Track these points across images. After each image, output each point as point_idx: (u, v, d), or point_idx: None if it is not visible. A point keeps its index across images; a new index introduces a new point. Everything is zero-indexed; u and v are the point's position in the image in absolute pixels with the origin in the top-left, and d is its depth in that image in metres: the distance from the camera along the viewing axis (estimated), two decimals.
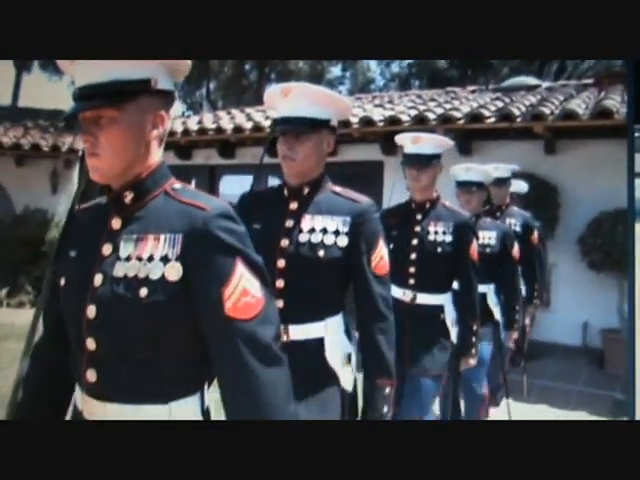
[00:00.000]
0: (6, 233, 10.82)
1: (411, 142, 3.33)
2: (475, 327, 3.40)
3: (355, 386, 2.28)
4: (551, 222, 7.34)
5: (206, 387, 1.50)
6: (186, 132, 10.31)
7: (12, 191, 11.47)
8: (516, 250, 4.47)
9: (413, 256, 3.34)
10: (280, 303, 2.16)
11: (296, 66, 24.29)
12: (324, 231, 2.19)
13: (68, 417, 1.60)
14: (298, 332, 2.18)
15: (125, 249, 1.39)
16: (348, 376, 2.21)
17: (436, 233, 3.34)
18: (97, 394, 1.41)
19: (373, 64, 27.88)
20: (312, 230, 2.20)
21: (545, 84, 11.53)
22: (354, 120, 8.50)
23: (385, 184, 8.61)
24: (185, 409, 1.41)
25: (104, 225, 1.46)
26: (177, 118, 12.49)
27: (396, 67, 26.64)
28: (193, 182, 9.98)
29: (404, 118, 8.46)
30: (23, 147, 11.06)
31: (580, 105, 7.65)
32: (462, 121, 8.01)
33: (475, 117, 7.92)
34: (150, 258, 1.36)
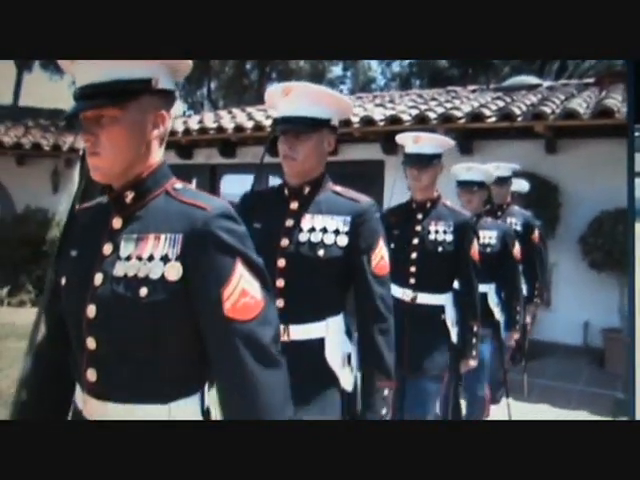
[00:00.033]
0: (7, 232, 10.83)
1: (412, 142, 3.33)
2: (475, 328, 3.39)
3: (355, 387, 2.27)
4: (552, 221, 7.33)
5: (206, 388, 1.50)
6: (187, 131, 10.31)
7: (13, 190, 11.48)
8: (517, 250, 4.46)
9: (414, 255, 3.33)
10: (280, 302, 2.16)
11: (297, 65, 24.28)
12: (324, 230, 2.19)
13: (68, 417, 1.60)
14: (299, 332, 2.18)
15: (125, 249, 1.40)
16: (348, 377, 2.20)
17: (437, 232, 3.33)
18: (97, 393, 1.41)
19: (374, 63, 27.89)
20: (312, 229, 2.20)
21: (546, 83, 11.52)
22: (355, 119, 8.49)
23: (386, 183, 8.61)
24: (185, 409, 1.41)
25: (105, 225, 1.46)
26: (178, 117, 12.50)
27: (397, 66, 26.64)
28: (194, 181, 9.97)
29: (405, 117, 8.45)
30: (24, 146, 11.06)
31: (581, 104, 7.65)
32: (463, 120, 8.01)
33: (476, 116, 7.92)
34: (150, 258, 1.36)
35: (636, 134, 2.70)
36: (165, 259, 1.35)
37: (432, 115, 8.33)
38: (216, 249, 1.34)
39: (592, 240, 7.25)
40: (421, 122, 8.13)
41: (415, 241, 3.34)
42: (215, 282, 1.34)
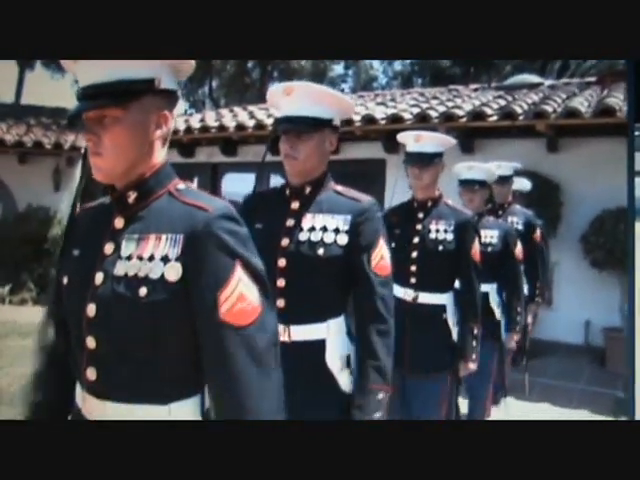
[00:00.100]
0: (9, 231, 10.85)
1: (413, 140, 3.32)
2: (476, 331, 3.36)
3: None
4: (553, 220, 7.33)
5: (207, 389, 1.49)
6: (189, 130, 10.32)
7: (15, 189, 11.50)
8: (519, 249, 4.44)
9: (414, 254, 3.33)
10: (281, 302, 2.17)
11: (299, 64, 24.28)
12: (324, 229, 2.19)
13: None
14: (299, 333, 2.17)
15: (127, 248, 1.40)
16: (346, 379, 2.19)
17: (437, 231, 3.33)
18: (97, 392, 1.41)
19: (376, 62, 27.88)
20: (312, 229, 2.20)
21: (548, 82, 11.52)
22: (356, 118, 8.49)
23: (387, 182, 8.61)
24: (185, 410, 1.40)
25: (107, 224, 1.46)
26: (180, 116, 12.50)
27: (399, 65, 26.65)
28: (196, 180, 10.00)
29: (406, 116, 8.46)
30: (26, 145, 11.08)
31: (583, 103, 7.64)
32: (464, 119, 8.01)
33: (477, 115, 7.92)
34: (151, 257, 1.36)
35: (636, 133, 2.70)
36: (165, 259, 1.35)
37: (433, 114, 8.33)
38: (216, 250, 1.34)
39: (593, 239, 7.25)
40: (422, 121, 8.13)
41: (416, 240, 3.34)
42: (213, 284, 1.33)
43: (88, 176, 1.48)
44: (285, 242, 2.20)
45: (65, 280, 1.50)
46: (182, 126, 10.35)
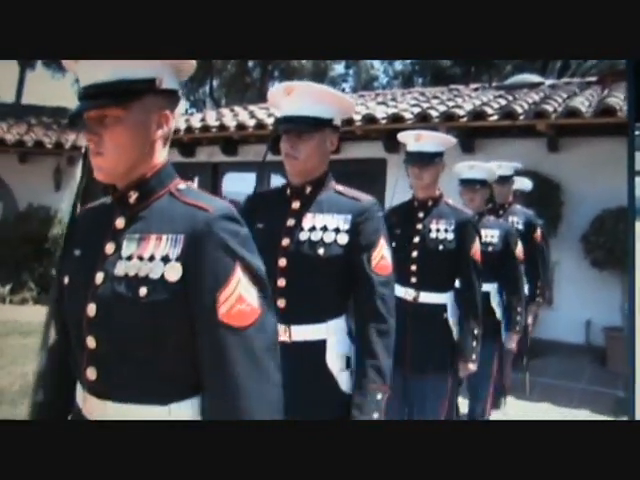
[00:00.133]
0: (9, 230, 10.85)
1: (414, 140, 3.32)
2: (476, 331, 3.36)
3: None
4: (554, 220, 7.33)
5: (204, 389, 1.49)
6: (189, 130, 10.33)
7: (15, 188, 11.51)
8: (519, 249, 4.43)
9: (414, 254, 3.33)
10: (282, 303, 2.16)
11: (299, 64, 24.28)
12: (324, 229, 2.18)
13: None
14: (300, 333, 2.17)
15: (127, 248, 1.40)
16: (347, 379, 2.18)
17: (438, 231, 3.33)
18: (97, 392, 1.41)
19: (376, 62, 27.88)
20: (313, 228, 2.19)
21: (548, 82, 11.52)
22: (357, 117, 8.49)
23: (388, 182, 8.60)
24: (186, 411, 1.39)
25: (108, 224, 1.46)
26: (180, 116, 12.50)
27: (399, 65, 26.64)
28: (196, 180, 10.01)
29: (407, 116, 8.46)
30: (26, 144, 11.09)
31: (583, 103, 7.64)
32: (465, 119, 8.01)
33: (478, 115, 7.92)
34: (151, 258, 1.36)
35: (636, 133, 2.69)
36: (166, 259, 1.35)
37: (434, 113, 8.34)
38: (216, 251, 1.34)
39: (594, 238, 7.25)
40: (423, 120, 8.14)
41: (416, 240, 3.34)
42: (212, 285, 1.33)
43: (89, 176, 1.48)
44: (286, 242, 2.20)
45: (66, 280, 1.50)
46: (183, 125, 10.35)
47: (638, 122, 2.70)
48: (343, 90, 22.19)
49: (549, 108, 7.50)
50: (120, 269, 1.38)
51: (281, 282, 2.18)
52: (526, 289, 4.93)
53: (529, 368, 5.83)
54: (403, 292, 3.27)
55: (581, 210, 7.42)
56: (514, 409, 5.17)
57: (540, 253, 5.37)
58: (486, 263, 3.58)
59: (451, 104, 8.98)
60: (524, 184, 5.91)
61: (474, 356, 3.35)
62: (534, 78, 11.53)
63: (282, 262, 2.18)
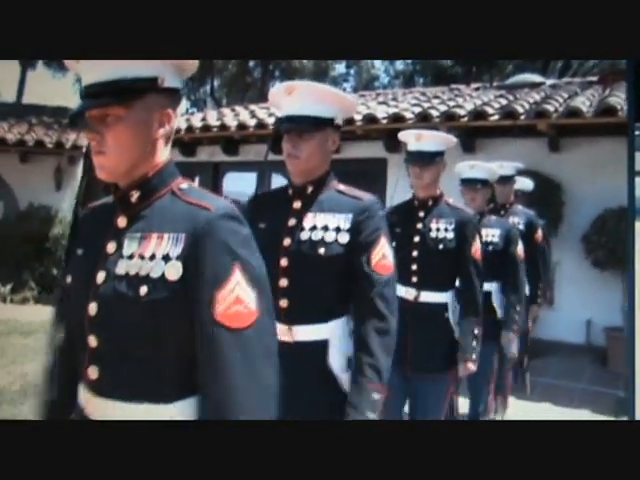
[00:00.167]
0: (10, 230, 10.86)
1: (414, 139, 3.32)
2: (477, 331, 3.35)
3: None
4: (555, 220, 7.33)
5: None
6: (190, 129, 10.33)
7: (16, 188, 11.52)
8: (520, 248, 4.42)
9: (415, 253, 3.32)
10: (284, 302, 2.16)
11: (300, 63, 24.27)
12: (325, 228, 2.18)
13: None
14: (302, 333, 2.16)
15: (129, 247, 1.40)
16: (349, 380, 2.15)
17: (438, 230, 3.32)
18: (99, 391, 1.41)
19: (377, 61, 27.86)
20: (313, 228, 2.19)
21: (549, 81, 11.53)
22: (358, 117, 8.49)
23: (389, 182, 8.60)
24: (189, 410, 1.39)
25: (110, 223, 1.46)
26: (181, 115, 12.51)
27: (400, 65, 26.61)
28: (197, 179, 10.01)
29: (408, 115, 8.46)
30: (27, 144, 11.10)
31: (584, 102, 7.64)
32: (466, 118, 8.01)
33: (479, 114, 7.92)
34: (152, 256, 1.36)
35: (636, 133, 2.69)
36: (166, 258, 1.35)
37: (435, 113, 8.34)
38: (216, 250, 1.33)
39: (595, 238, 7.25)
40: (424, 120, 8.14)
41: (416, 239, 3.34)
42: (210, 283, 1.32)
43: (90, 175, 1.48)
44: (287, 242, 2.20)
45: (69, 279, 1.50)
46: (184, 125, 10.36)
47: (638, 122, 2.70)
48: (344, 90, 22.18)
49: (550, 108, 7.50)
50: (121, 268, 1.38)
51: (283, 282, 2.17)
52: (527, 290, 4.91)
53: (530, 368, 5.83)
54: (404, 291, 3.27)
55: (582, 210, 7.42)
56: (514, 409, 5.16)
57: (541, 254, 5.35)
58: (487, 262, 3.58)
59: (452, 104, 8.99)
60: (525, 184, 5.91)
61: (474, 356, 3.33)
62: (535, 78, 11.54)
63: (284, 262, 2.18)
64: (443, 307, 3.32)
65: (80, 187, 1.68)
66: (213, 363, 1.31)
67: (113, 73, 1.35)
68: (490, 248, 4.17)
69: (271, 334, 1.40)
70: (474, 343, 3.33)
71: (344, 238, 2.16)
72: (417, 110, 8.67)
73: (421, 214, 3.39)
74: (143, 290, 1.33)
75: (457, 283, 3.43)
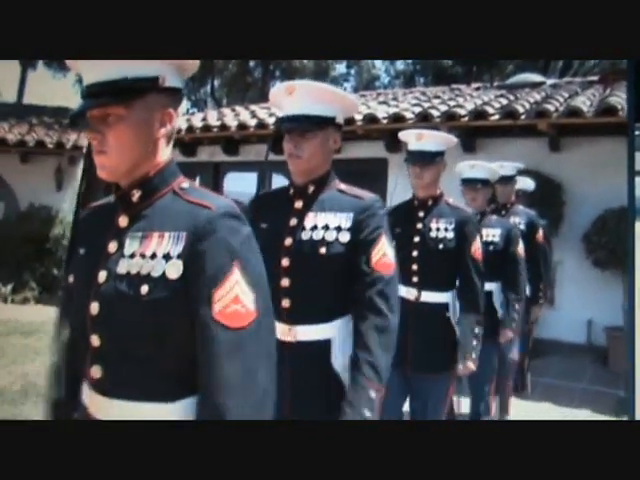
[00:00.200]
0: (11, 230, 10.87)
1: (415, 139, 3.32)
2: (477, 330, 3.35)
3: None
4: (556, 220, 7.33)
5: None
6: (190, 129, 10.34)
7: (17, 188, 11.53)
8: (521, 247, 4.41)
9: (415, 253, 3.32)
10: (286, 302, 2.16)
11: (301, 63, 24.27)
12: (326, 228, 2.17)
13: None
14: (305, 333, 2.16)
15: (130, 246, 1.40)
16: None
17: (438, 230, 3.32)
18: (102, 390, 1.41)
19: (378, 61, 27.86)
20: (314, 227, 2.19)
21: (550, 81, 11.53)
22: (358, 117, 8.49)
23: (389, 182, 8.59)
24: (193, 408, 1.38)
25: (111, 223, 1.46)
26: (182, 115, 12.51)
27: (401, 64, 26.61)
28: (197, 179, 10.01)
29: (408, 115, 8.46)
30: (28, 144, 11.10)
31: (585, 102, 7.64)
32: (466, 118, 8.01)
33: (479, 114, 7.91)
34: (153, 255, 1.36)
35: (636, 133, 2.69)
36: (167, 257, 1.35)
37: (435, 113, 8.34)
38: (216, 248, 1.34)
39: (596, 238, 7.25)
40: (424, 120, 8.14)
41: (416, 239, 3.34)
42: (209, 282, 1.32)
43: (90, 175, 1.48)
44: (288, 241, 2.19)
45: (71, 279, 1.51)
46: (184, 125, 10.36)
47: (638, 122, 2.69)
48: (344, 90, 22.18)
49: (550, 107, 7.50)
50: (122, 267, 1.38)
51: (285, 282, 2.17)
52: (527, 290, 4.90)
53: (530, 368, 5.82)
54: (405, 291, 3.27)
55: (583, 210, 7.42)
56: (515, 409, 5.16)
57: (542, 254, 5.33)
58: (488, 262, 3.57)
59: (452, 104, 8.98)
60: (527, 184, 5.90)
61: (474, 355, 3.32)
62: (535, 77, 11.53)
63: (285, 262, 2.18)
64: (444, 307, 3.31)
65: (80, 187, 1.67)
66: (211, 362, 1.31)
67: (114, 73, 1.35)
68: (491, 248, 4.16)
69: (270, 336, 1.40)
70: (474, 342, 3.31)
71: (345, 237, 2.15)
72: (418, 110, 8.66)
73: (421, 214, 3.38)
74: (144, 289, 1.34)
75: (458, 283, 3.43)
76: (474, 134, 8.23)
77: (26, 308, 9.88)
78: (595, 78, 11.06)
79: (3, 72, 20.87)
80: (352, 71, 28.31)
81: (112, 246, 1.42)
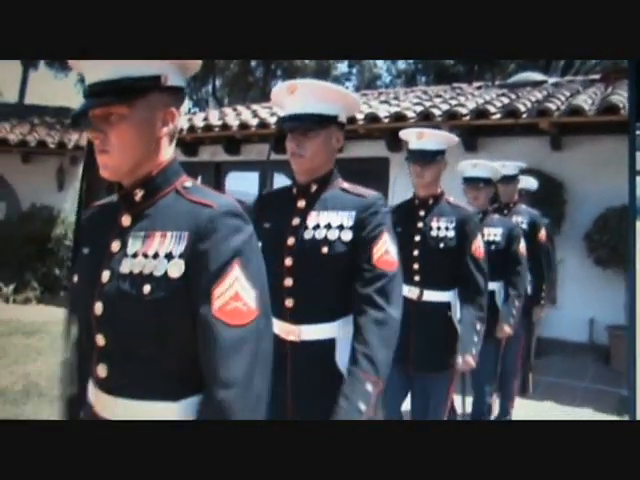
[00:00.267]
0: (12, 230, 10.87)
1: (415, 138, 3.32)
2: (479, 327, 3.33)
3: None
4: (557, 219, 7.32)
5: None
6: (192, 129, 10.33)
7: (18, 188, 11.54)
8: (522, 246, 4.40)
9: (416, 253, 3.32)
10: (290, 302, 2.16)
11: (302, 63, 24.27)
12: (328, 227, 2.17)
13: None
14: (309, 332, 2.15)
15: (133, 246, 1.40)
16: None
17: (439, 229, 3.31)
18: (108, 389, 1.42)
19: (379, 61, 27.85)
20: (317, 226, 2.18)
21: (551, 80, 11.51)
22: (360, 116, 8.49)
23: (391, 181, 8.61)
24: (196, 408, 1.38)
25: (114, 222, 1.47)
26: (183, 115, 12.51)
27: (402, 64, 26.61)
28: (199, 179, 10.01)
29: (410, 114, 8.45)
30: (29, 144, 11.10)
31: (586, 101, 7.63)
32: (468, 117, 8.00)
33: (481, 113, 7.91)
34: (155, 255, 1.36)
35: (637, 132, 2.69)
36: (169, 256, 1.35)
37: (437, 112, 8.33)
38: (217, 245, 1.34)
39: (597, 237, 7.24)
40: (426, 119, 8.13)
41: (417, 238, 3.33)
42: (209, 279, 1.33)
43: (91, 174, 1.48)
44: (291, 241, 2.19)
45: (75, 278, 1.51)
46: (185, 125, 10.36)
47: (639, 121, 2.69)
48: (346, 89, 22.15)
49: (552, 106, 7.49)
50: (125, 267, 1.38)
51: (288, 282, 2.17)
52: (529, 290, 4.89)
53: (532, 367, 5.81)
54: (407, 290, 3.26)
55: (584, 208, 7.42)
56: (517, 408, 5.15)
57: (545, 254, 5.30)
58: (490, 262, 3.55)
59: (454, 103, 8.98)
60: (530, 183, 5.89)
61: (474, 350, 3.30)
62: (537, 76, 11.52)
63: (288, 261, 2.17)
64: (446, 306, 3.31)
65: (81, 187, 1.68)
66: (212, 360, 1.31)
67: (116, 72, 1.35)
68: (493, 247, 4.15)
69: (267, 341, 1.39)
70: (475, 338, 3.29)
71: (347, 236, 2.15)
72: (419, 109, 8.66)
73: (422, 213, 3.38)
74: (146, 289, 1.34)
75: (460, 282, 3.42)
76: (475, 133, 8.23)
77: (28, 308, 9.88)
78: (597, 77, 11.06)
79: (5, 72, 20.89)
80: (354, 70, 28.32)
81: (115, 245, 1.43)
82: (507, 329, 4.27)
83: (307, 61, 24.35)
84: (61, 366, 1.67)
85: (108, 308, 1.38)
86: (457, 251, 3.29)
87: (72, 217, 9.88)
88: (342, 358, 2.13)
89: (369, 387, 1.97)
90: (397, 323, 2.10)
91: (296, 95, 2.20)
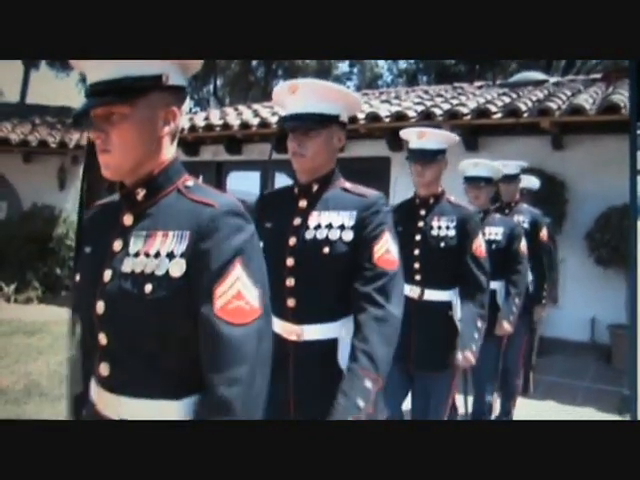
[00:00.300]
0: (14, 229, 10.88)
1: (416, 137, 3.32)
2: (480, 324, 3.33)
3: None
4: (558, 218, 7.32)
5: None
6: (193, 128, 10.33)
7: (20, 187, 11.55)
8: (523, 245, 4.39)
9: (416, 252, 3.32)
10: (292, 302, 2.16)
11: (303, 62, 24.26)
12: (329, 226, 2.17)
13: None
14: (311, 332, 2.15)
15: (135, 245, 1.41)
16: None
17: (439, 228, 3.31)
18: (110, 387, 1.42)
19: (381, 60, 27.84)
20: (318, 226, 2.18)
21: (552, 79, 11.51)
22: (361, 116, 8.48)
23: (392, 180, 8.61)
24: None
25: (116, 222, 1.47)
26: (184, 114, 12.51)
27: (403, 63, 26.61)
28: (200, 178, 10.01)
29: (411, 114, 8.45)
30: (31, 144, 11.12)
31: (587, 100, 7.62)
32: (469, 117, 8.00)
33: (482, 113, 7.90)
34: (157, 254, 1.37)
35: (638, 132, 2.68)
36: (171, 256, 1.36)
37: (438, 111, 8.32)
38: (218, 245, 1.34)
39: (599, 236, 7.24)
40: (427, 118, 8.13)
41: (418, 237, 3.34)
42: (210, 278, 1.33)
43: (90, 174, 1.49)
44: (292, 241, 2.18)
45: (77, 277, 1.52)
46: (187, 124, 10.36)
47: None
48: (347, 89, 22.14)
49: (553, 106, 7.49)
50: (127, 266, 1.39)
51: (290, 282, 2.16)
52: (531, 288, 4.89)
53: (534, 366, 5.81)
54: (408, 290, 3.25)
55: (586, 208, 7.41)
56: (518, 407, 5.15)
57: (547, 253, 5.29)
58: (491, 261, 3.55)
59: (455, 102, 8.97)
60: (531, 182, 5.88)
61: (474, 347, 3.28)
62: (538, 76, 11.52)
63: (290, 261, 2.17)
64: (447, 305, 3.31)
65: (82, 186, 1.68)
66: (214, 358, 1.32)
67: (118, 71, 1.36)
68: (494, 246, 4.15)
69: (268, 338, 1.40)
70: (475, 335, 3.27)
71: (348, 236, 2.14)
72: (420, 108, 8.66)
73: (422, 212, 3.38)
74: (148, 288, 1.34)
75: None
76: (477, 132, 8.23)
77: (29, 308, 9.89)
78: (598, 76, 11.06)
79: (6, 72, 20.94)
80: (355, 70, 28.31)
81: (117, 245, 1.43)
82: (506, 326, 4.26)
83: (308, 61, 24.35)
84: (67, 364, 1.68)
85: (110, 307, 1.39)
86: (458, 250, 3.29)
87: (73, 216, 9.89)
88: (344, 358, 2.12)
89: (368, 384, 1.96)
90: (398, 321, 2.09)
91: (297, 95, 2.20)
